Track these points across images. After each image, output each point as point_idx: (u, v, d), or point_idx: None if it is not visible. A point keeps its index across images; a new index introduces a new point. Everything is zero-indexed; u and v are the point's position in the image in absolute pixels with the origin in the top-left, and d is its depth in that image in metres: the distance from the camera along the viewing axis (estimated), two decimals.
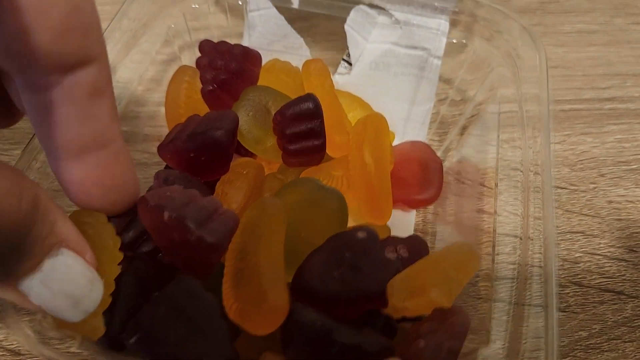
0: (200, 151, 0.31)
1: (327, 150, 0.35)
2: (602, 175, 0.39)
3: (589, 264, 0.35)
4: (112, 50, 0.32)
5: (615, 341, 0.32)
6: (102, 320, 0.27)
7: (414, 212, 0.38)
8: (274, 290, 0.22)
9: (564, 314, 0.32)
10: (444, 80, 0.39)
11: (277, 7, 0.38)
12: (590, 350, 0.31)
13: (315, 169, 0.33)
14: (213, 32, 0.40)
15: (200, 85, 0.35)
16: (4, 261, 0.18)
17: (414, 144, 0.38)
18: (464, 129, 0.38)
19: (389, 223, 0.37)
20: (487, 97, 0.36)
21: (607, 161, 0.40)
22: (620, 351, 0.31)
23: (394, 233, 0.36)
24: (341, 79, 0.39)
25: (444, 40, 0.37)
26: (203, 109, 0.35)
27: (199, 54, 0.36)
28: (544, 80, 0.31)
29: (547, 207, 0.27)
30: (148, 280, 0.27)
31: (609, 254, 0.35)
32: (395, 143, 0.40)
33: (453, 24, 0.37)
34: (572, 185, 0.38)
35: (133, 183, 0.24)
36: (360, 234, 0.25)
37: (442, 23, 0.37)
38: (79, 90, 0.20)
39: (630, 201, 0.38)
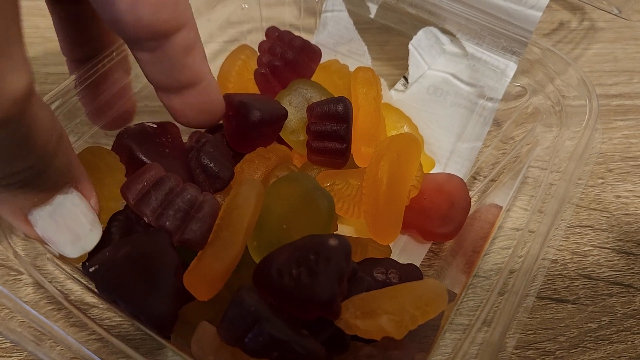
0: (235, 117, 0.32)
1: (354, 159, 0.35)
2: (610, 171, 0.40)
3: (597, 257, 0.35)
4: None
5: (624, 333, 0.32)
6: None
7: (427, 245, 0.37)
8: (211, 259, 0.23)
9: (574, 305, 0.33)
10: (496, 122, 0.37)
11: (353, 13, 0.39)
12: (600, 342, 0.32)
13: (333, 172, 0.33)
14: (285, 23, 0.41)
15: (254, 67, 0.37)
16: (27, 187, 0.21)
17: (450, 177, 0.37)
18: (500, 175, 0.36)
19: (399, 248, 0.37)
20: (528, 147, 0.34)
21: (615, 156, 0.41)
22: (629, 342, 0.32)
23: (401, 260, 0.36)
24: (396, 95, 0.39)
25: (507, 82, 0.36)
26: (252, 88, 0.37)
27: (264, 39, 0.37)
28: (585, 137, 0.30)
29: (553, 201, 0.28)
30: (138, 225, 0.28)
31: (617, 247, 0.36)
32: (434, 171, 0.39)
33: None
34: (580, 179, 0.38)
35: (220, 105, 0.30)
36: (332, 242, 0.25)
37: (510, 65, 0.36)
38: (175, 49, 0.25)
39: (638, 196, 0.38)
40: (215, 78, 0.37)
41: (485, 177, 0.38)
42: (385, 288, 0.26)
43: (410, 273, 0.32)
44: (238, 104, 0.32)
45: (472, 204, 0.35)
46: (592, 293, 0.34)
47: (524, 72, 0.35)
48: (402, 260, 0.34)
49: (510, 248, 0.27)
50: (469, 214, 0.35)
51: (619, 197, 0.38)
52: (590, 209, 0.37)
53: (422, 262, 0.36)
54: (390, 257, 0.34)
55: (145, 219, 0.26)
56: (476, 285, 0.27)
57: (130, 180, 0.26)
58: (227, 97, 0.33)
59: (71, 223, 0.23)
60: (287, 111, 0.33)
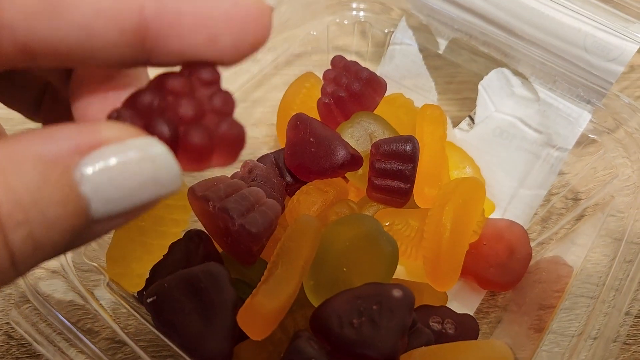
0: (307, 144, 0.32)
1: (415, 199, 0.34)
2: None
3: (637, 292, 0.31)
4: None
5: None
6: (145, 277, 0.28)
7: (482, 294, 0.35)
8: (265, 297, 0.23)
9: (614, 344, 0.29)
10: (562, 172, 0.36)
11: (421, 46, 0.38)
12: None
13: (393, 211, 0.32)
14: (351, 51, 0.40)
15: (318, 95, 0.36)
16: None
17: (511, 225, 0.35)
18: (567, 228, 0.34)
19: (453, 293, 0.35)
20: (601, 203, 0.32)
21: None
22: None
23: (454, 305, 0.34)
24: (460, 134, 0.38)
25: (579, 132, 0.34)
26: (314, 117, 0.36)
27: (329, 67, 0.37)
28: None
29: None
30: (196, 256, 0.28)
31: None
32: (493, 216, 0.37)
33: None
34: (619, 212, 0.33)
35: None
36: (396, 292, 0.24)
37: (583, 114, 0.34)
38: None
39: None
40: (278, 103, 0.37)
41: (546, 227, 0.36)
42: (447, 345, 0.25)
43: (466, 324, 0.30)
44: (320, 136, 0.32)
45: None
46: (635, 331, 0.32)
47: (599, 122, 0.34)
48: (455, 307, 0.33)
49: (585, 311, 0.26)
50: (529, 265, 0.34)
51: None
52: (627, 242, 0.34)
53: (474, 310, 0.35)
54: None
55: (211, 204, 0.25)
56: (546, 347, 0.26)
57: (201, 181, 0.26)
58: (302, 120, 0.32)
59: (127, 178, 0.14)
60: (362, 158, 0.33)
